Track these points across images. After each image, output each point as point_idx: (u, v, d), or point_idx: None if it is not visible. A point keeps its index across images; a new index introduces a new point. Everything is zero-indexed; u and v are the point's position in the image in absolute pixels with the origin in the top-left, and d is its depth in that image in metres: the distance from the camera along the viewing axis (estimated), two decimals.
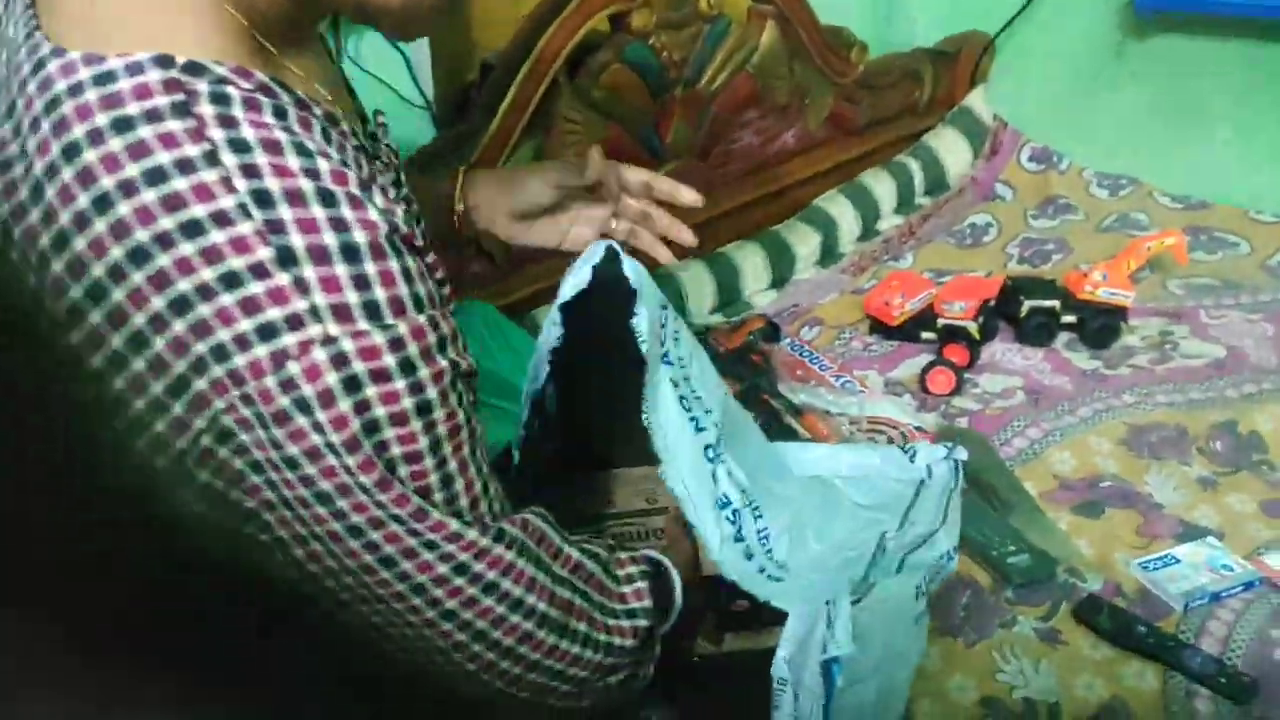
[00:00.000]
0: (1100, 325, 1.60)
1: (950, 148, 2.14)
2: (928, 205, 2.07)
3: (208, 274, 0.54)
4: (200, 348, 0.55)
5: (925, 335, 1.63)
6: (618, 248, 0.82)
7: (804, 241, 1.86)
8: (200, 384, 0.56)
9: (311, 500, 0.59)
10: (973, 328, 1.59)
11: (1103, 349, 1.60)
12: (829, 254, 1.91)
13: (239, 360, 0.55)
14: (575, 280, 0.83)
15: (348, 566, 0.61)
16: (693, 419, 0.81)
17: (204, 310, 0.55)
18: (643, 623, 0.78)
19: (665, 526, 0.93)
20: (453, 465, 0.63)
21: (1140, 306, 1.67)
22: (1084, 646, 1.10)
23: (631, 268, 0.81)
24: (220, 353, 0.55)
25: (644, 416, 0.78)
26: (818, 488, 0.95)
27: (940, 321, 1.61)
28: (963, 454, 1.00)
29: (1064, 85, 2.11)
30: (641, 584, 0.79)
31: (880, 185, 2.00)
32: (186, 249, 0.54)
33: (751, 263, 1.79)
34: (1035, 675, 1.07)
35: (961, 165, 2.15)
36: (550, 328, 0.87)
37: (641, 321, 0.78)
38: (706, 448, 0.81)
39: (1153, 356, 1.57)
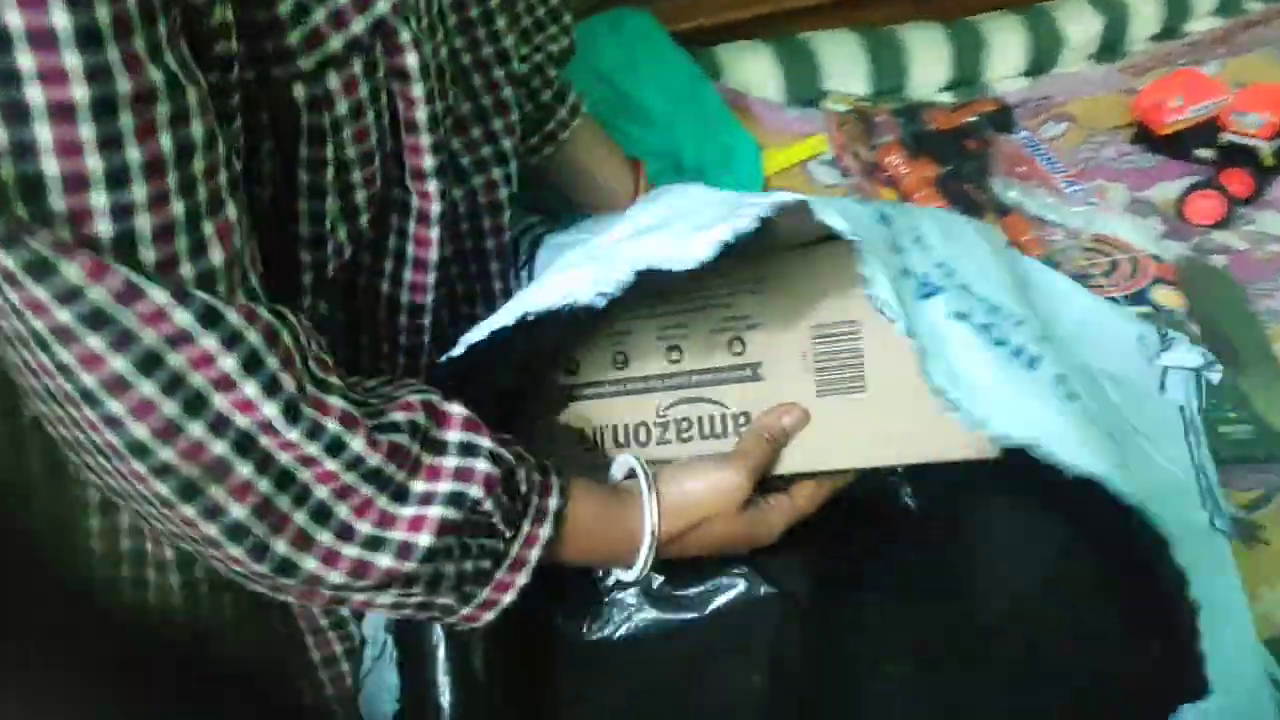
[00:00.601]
0: None
1: None
2: (1259, 10, 1.65)
3: None
4: None
5: (1201, 153, 1.28)
6: (809, 200, 0.55)
7: (1080, 25, 1.51)
8: None
9: None
10: (1266, 151, 1.24)
11: None
12: (1109, 48, 1.55)
13: None
14: (735, 229, 0.54)
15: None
16: (1013, 350, 0.57)
17: None
18: (445, 513, 0.54)
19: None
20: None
21: None
22: None
23: (837, 214, 0.54)
24: None
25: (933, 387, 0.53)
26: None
27: (1224, 137, 1.26)
28: (1216, 375, 0.71)
29: None
30: (478, 464, 0.56)
31: None
32: None
33: (1004, 39, 1.47)
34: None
35: None
36: (609, 277, 0.56)
37: (878, 283, 0.53)
38: (1058, 380, 0.57)
39: None
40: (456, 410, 0.57)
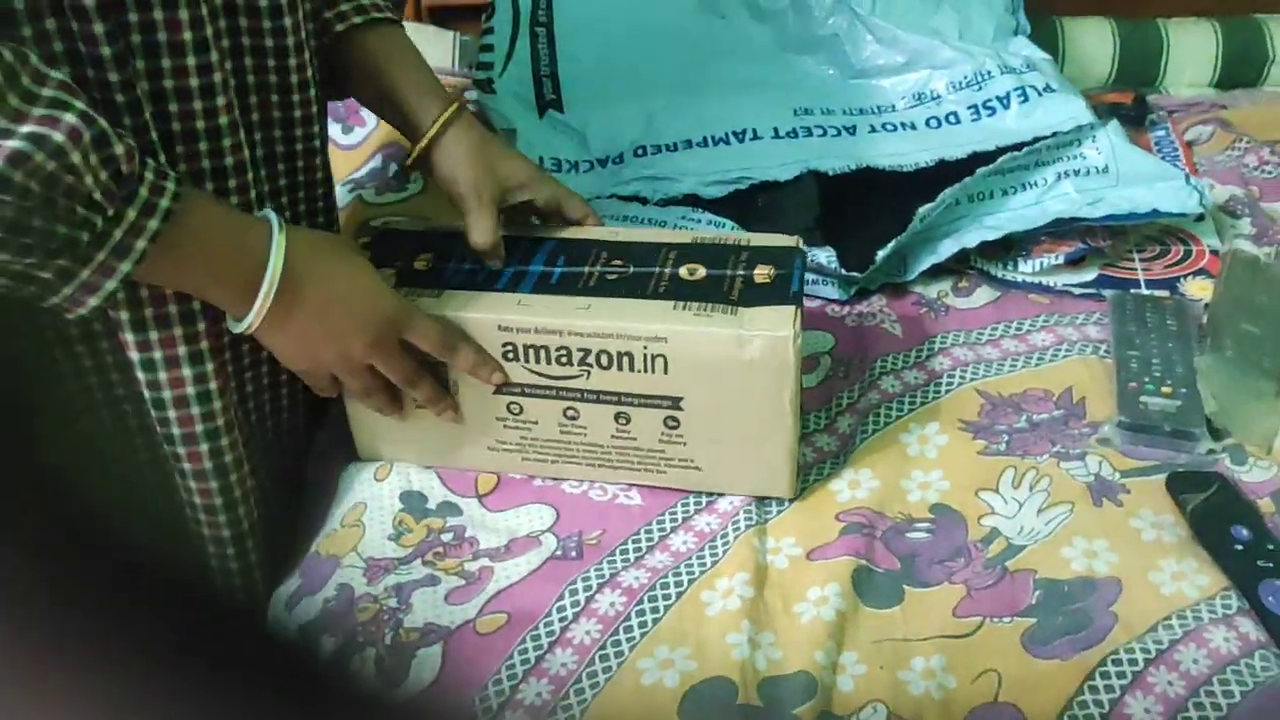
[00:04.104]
0: None
1: None
2: None
3: None
4: None
5: None
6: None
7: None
8: None
9: None
10: None
11: None
12: None
13: None
14: None
15: None
16: None
17: None
18: (21, 146, 0.56)
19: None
20: None
21: None
22: (1144, 524, 0.76)
23: None
24: None
25: None
26: None
27: None
28: None
29: None
30: (65, 116, 0.57)
31: None
32: None
33: (1188, 45, 1.38)
34: (1031, 519, 0.77)
35: None
36: None
37: None
38: None
39: None
40: (58, 74, 0.59)
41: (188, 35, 0.68)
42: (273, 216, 0.70)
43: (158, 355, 0.73)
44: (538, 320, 0.74)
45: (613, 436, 0.78)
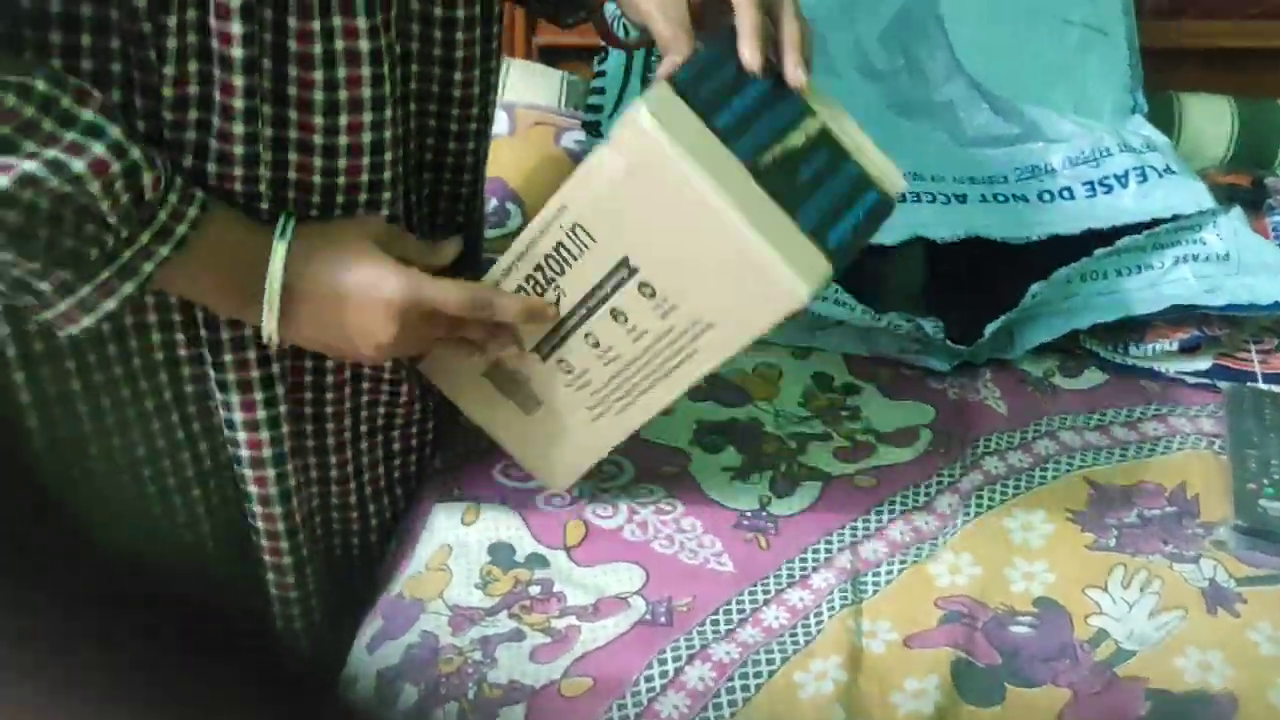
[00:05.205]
0: None
1: None
2: None
3: None
4: None
5: None
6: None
7: None
8: None
9: None
10: None
11: None
12: None
13: None
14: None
15: None
16: None
17: None
18: (35, 170, 0.56)
19: None
20: None
21: None
22: (1262, 637, 0.72)
23: None
24: None
25: None
26: None
27: None
28: None
29: None
30: (95, 146, 0.58)
31: None
32: None
33: None
34: (1142, 623, 0.74)
35: None
36: None
37: None
38: None
39: None
40: (101, 96, 0.59)
41: (364, 44, 0.66)
42: (279, 229, 0.67)
43: (231, 378, 0.74)
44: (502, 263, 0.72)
45: (634, 341, 0.70)
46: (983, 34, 1.17)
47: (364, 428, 0.85)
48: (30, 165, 0.56)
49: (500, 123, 1.24)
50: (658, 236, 0.66)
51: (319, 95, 0.67)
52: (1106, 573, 0.76)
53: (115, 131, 0.59)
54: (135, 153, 0.59)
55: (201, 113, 0.65)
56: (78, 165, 0.57)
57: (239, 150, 0.66)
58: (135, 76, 0.64)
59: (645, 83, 1.20)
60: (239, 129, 0.65)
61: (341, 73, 0.67)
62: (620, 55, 1.22)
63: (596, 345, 0.72)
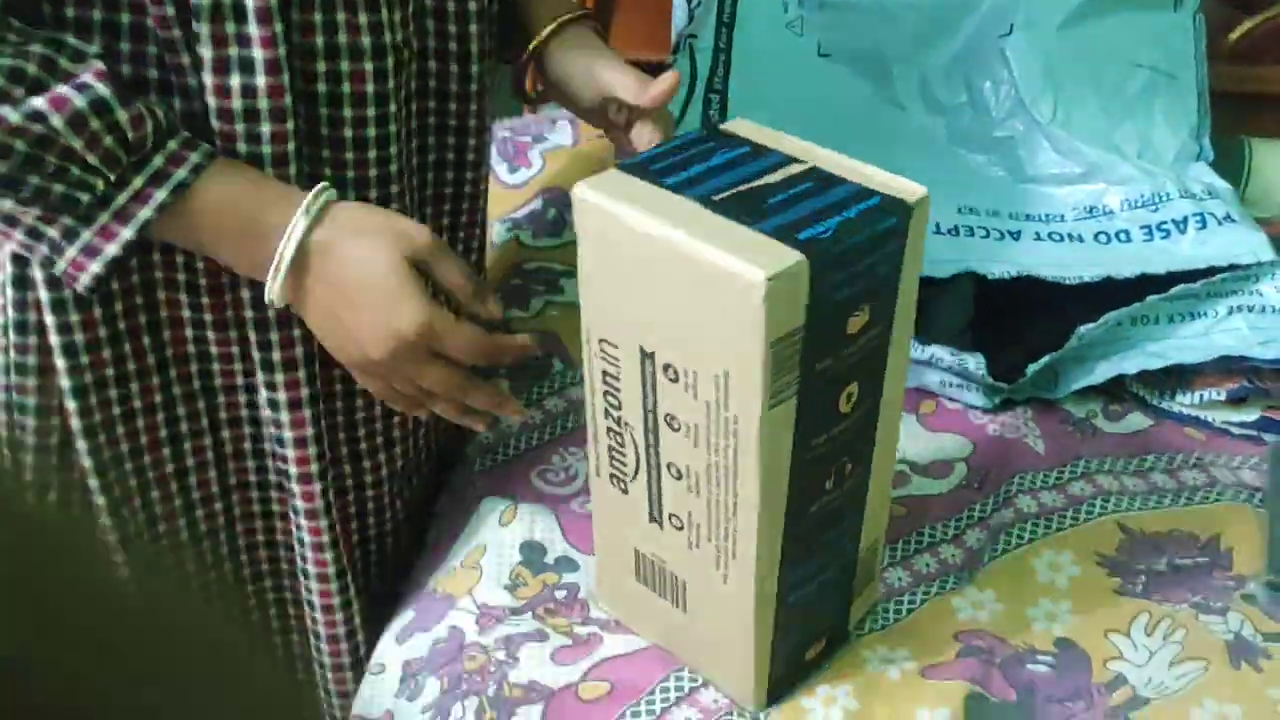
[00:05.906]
0: None
1: None
2: None
3: None
4: None
5: None
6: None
7: None
8: None
9: None
10: None
11: None
12: None
13: None
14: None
15: None
16: None
17: None
18: (10, 115, 0.59)
19: None
20: None
21: None
22: None
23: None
24: None
25: None
26: None
27: None
28: None
29: None
30: (75, 98, 0.60)
31: None
32: None
33: None
34: (1161, 671, 0.73)
35: None
36: None
37: None
38: None
39: None
40: (99, 63, 0.61)
41: (370, 87, 0.69)
42: (310, 199, 0.66)
43: (281, 397, 0.76)
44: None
45: (694, 445, 0.62)
46: (1048, 72, 1.16)
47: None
48: (6, 109, 0.58)
49: (564, 133, 1.27)
50: (644, 304, 0.61)
51: (322, 88, 0.68)
52: (1131, 618, 0.76)
53: (83, 71, 0.61)
54: (101, 88, 0.60)
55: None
56: (36, 102, 0.59)
57: (267, 150, 0.68)
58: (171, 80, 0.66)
59: (707, 102, 1.22)
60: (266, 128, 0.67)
61: (345, 66, 0.69)
62: (684, 72, 1.24)
63: (680, 476, 0.64)
